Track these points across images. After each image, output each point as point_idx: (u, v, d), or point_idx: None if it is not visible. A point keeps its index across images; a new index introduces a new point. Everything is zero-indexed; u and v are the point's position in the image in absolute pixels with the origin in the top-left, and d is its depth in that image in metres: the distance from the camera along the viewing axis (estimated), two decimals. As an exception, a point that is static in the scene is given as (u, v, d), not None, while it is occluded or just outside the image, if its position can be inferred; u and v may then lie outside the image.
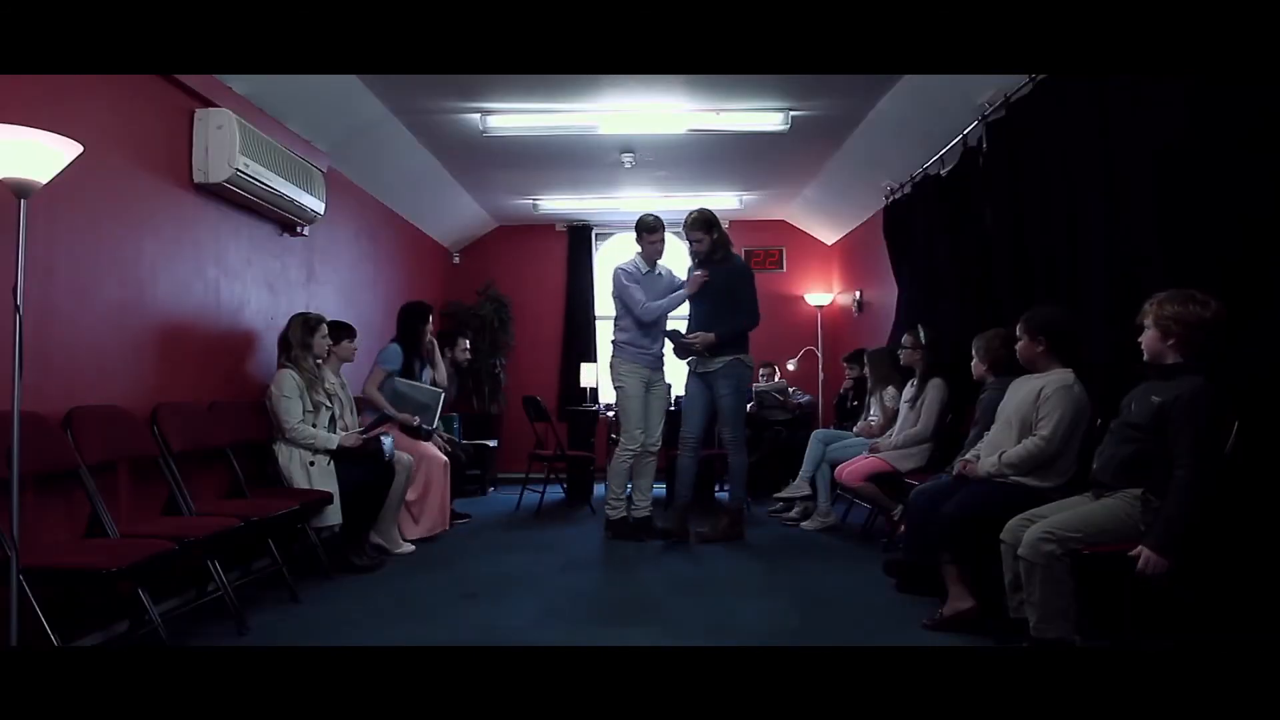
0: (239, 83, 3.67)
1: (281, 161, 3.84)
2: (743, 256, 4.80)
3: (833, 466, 4.73)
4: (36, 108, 2.49)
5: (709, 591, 3.51)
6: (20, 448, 2.17)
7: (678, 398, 6.26)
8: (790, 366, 7.15)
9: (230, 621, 2.91)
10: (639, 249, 4.64)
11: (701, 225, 4.43)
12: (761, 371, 6.72)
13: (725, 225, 7.84)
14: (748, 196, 6.92)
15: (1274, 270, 2.30)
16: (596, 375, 7.12)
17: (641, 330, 4.55)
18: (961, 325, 4.19)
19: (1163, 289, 2.48)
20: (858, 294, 6.93)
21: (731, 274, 4.44)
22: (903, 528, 4.21)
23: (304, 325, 3.86)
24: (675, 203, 6.98)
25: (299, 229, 4.35)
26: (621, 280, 4.59)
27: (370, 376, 4.64)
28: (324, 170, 4.35)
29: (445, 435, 4.85)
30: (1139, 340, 2.48)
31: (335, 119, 4.48)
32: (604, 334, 7.10)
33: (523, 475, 6.23)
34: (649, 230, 4.56)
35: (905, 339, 4.48)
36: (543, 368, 7.55)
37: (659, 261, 4.67)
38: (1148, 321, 2.44)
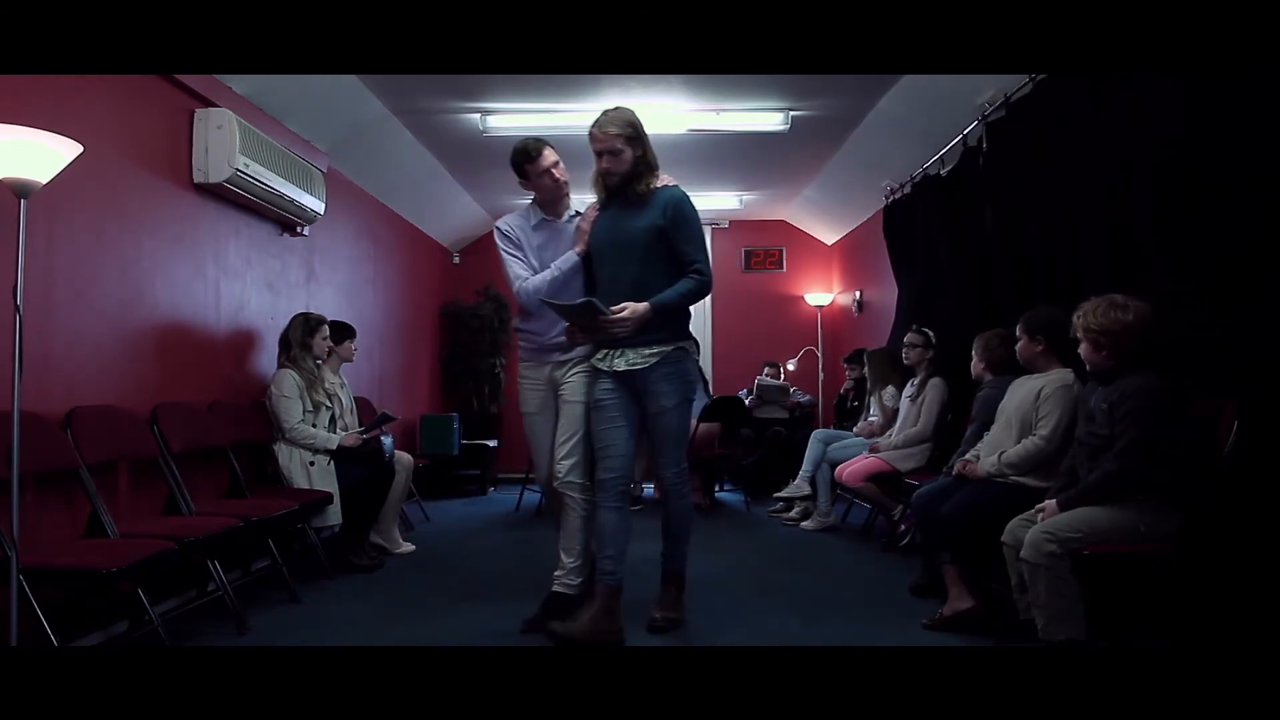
0: (239, 83, 3.67)
1: (281, 161, 3.84)
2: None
3: (833, 466, 4.73)
4: (36, 108, 2.49)
5: (709, 592, 3.51)
6: (20, 448, 2.17)
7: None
8: (790, 366, 7.15)
9: (230, 621, 2.91)
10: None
11: (621, 127, 2.69)
12: (766, 370, 6.72)
13: (725, 225, 8.07)
14: (748, 196, 6.92)
15: (1272, 269, 2.30)
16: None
17: (528, 314, 2.97)
18: (961, 325, 4.19)
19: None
20: (858, 294, 6.93)
21: (665, 210, 2.71)
22: (902, 527, 4.22)
23: (305, 325, 3.86)
24: (675, 203, 6.99)
25: (299, 229, 4.35)
26: (498, 247, 2.99)
27: None
28: (324, 170, 4.35)
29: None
30: (1078, 351, 2.56)
31: (335, 119, 4.48)
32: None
33: (523, 475, 6.23)
34: (527, 159, 2.87)
35: (910, 338, 4.46)
36: (543, 368, 7.55)
37: (570, 203, 3.02)
38: (1079, 335, 2.53)
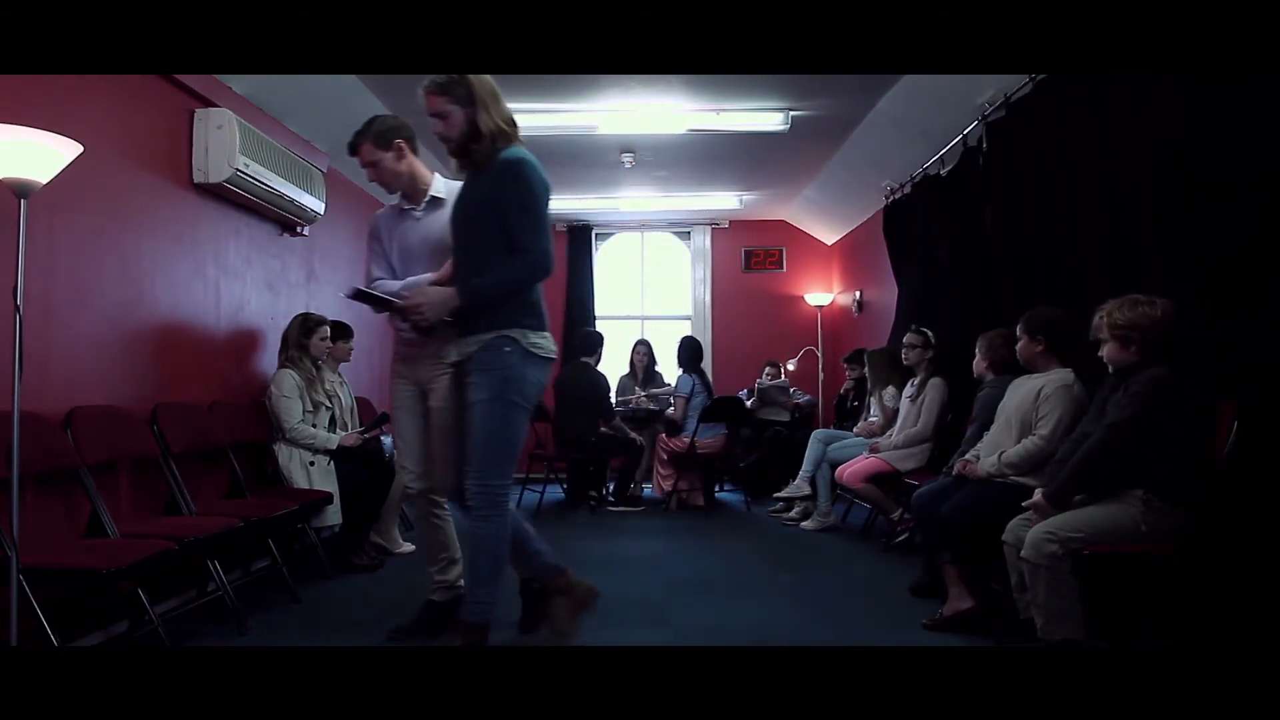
0: (239, 83, 3.67)
1: (281, 161, 3.84)
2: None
3: (833, 466, 4.73)
4: (36, 108, 2.49)
5: (709, 591, 3.51)
6: (20, 448, 2.17)
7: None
8: (790, 366, 7.15)
9: (230, 621, 2.91)
10: None
11: (447, 86, 2.40)
12: (766, 370, 6.72)
13: (725, 225, 8.06)
14: (748, 196, 6.92)
15: (1272, 269, 2.30)
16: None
17: None
18: (961, 325, 4.19)
19: (1162, 288, 2.50)
20: (858, 294, 6.93)
21: (497, 176, 2.36)
22: (899, 526, 4.22)
23: (302, 325, 3.86)
24: (675, 202, 7.00)
25: (299, 229, 4.35)
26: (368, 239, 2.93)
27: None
28: (324, 170, 4.35)
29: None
30: (1099, 354, 2.55)
31: (335, 119, 4.46)
32: (605, 334, 7.08)
33: (523, 475, 6.23)
34: (349, 151, 2.81)
35: (910, 338, 4.45)
36: (543, 368, 7.55)
37: (437, 186, 2.80)
38: (1103, 335, 2.51)
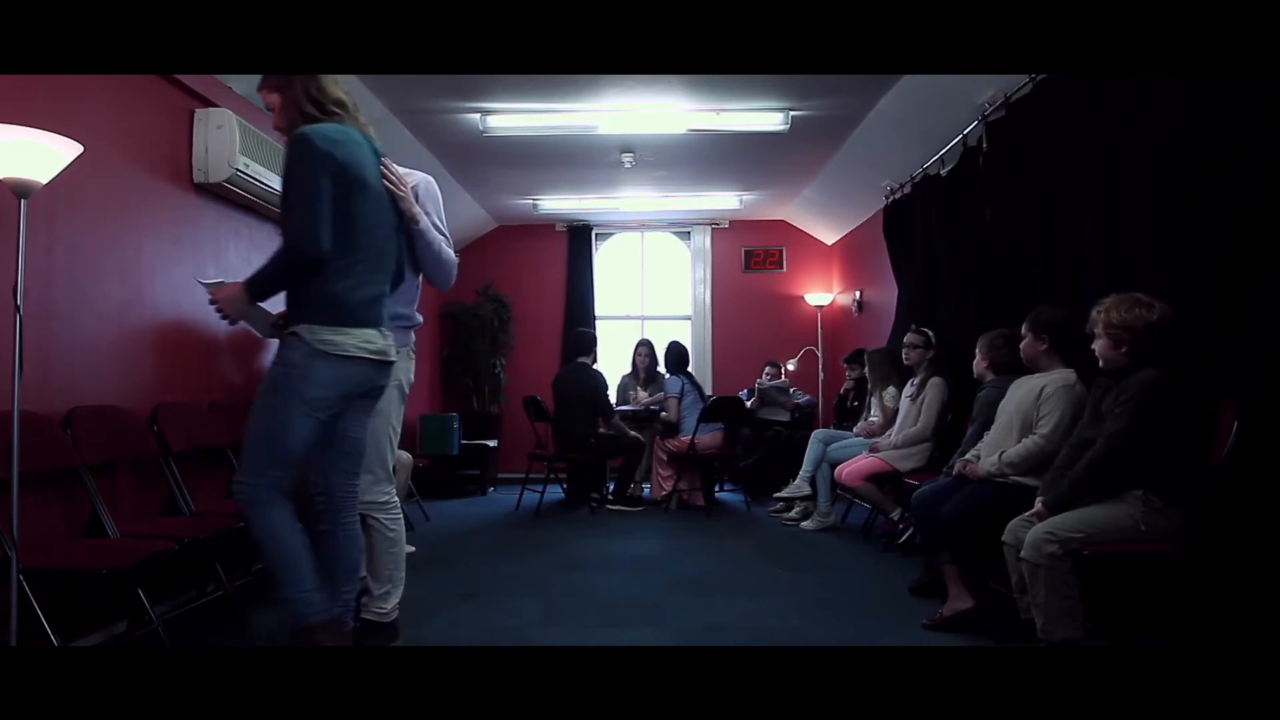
0: (239, 83, 3.67)
1: (281, 161, 3.83)
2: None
3: (833, 466, 4.73)
4: (36, 108, 2.49)
5: (709, 591, 3.51)
6: (20, 448, 2.17)
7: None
8: (790, 366, 7.16)
9: (230, 621, 2.91)
10: None
11: (267, 78, 2.33)
12: (767, 371, 6.73)
13: (725, 225, 8.08)
14: (748, 196, 6.92)
15: (1272, 269, 2.30)
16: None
17: None
18: (961, 325, 4.19)
19: (1161, 288, 2.49)
20: (858, 294, 6.94)
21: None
22: (900, 525, 4.22)
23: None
24: (675, 203, 7.00)
25: (299, 229, 4.35)
26: None
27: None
28: (324, 170, 4.35)
29: None
30: (1092, 347, 2.56)
31: (335, 119, 4.47)
32: (605, 334, 7.10)
33: (523, 475, 6.24)
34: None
35: (910, 338, 4.45)
36: (543, 368, 7.54)
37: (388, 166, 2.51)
38: (1098, 330, 2.52)
